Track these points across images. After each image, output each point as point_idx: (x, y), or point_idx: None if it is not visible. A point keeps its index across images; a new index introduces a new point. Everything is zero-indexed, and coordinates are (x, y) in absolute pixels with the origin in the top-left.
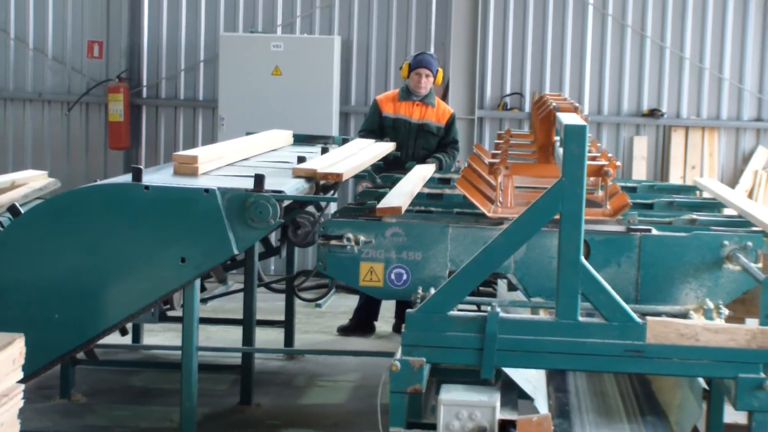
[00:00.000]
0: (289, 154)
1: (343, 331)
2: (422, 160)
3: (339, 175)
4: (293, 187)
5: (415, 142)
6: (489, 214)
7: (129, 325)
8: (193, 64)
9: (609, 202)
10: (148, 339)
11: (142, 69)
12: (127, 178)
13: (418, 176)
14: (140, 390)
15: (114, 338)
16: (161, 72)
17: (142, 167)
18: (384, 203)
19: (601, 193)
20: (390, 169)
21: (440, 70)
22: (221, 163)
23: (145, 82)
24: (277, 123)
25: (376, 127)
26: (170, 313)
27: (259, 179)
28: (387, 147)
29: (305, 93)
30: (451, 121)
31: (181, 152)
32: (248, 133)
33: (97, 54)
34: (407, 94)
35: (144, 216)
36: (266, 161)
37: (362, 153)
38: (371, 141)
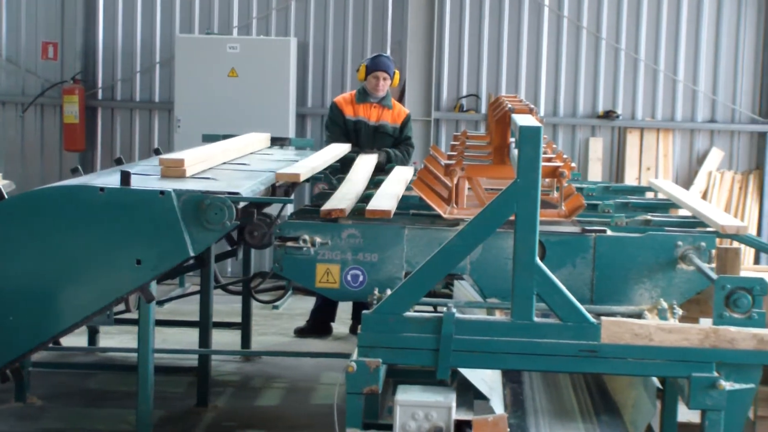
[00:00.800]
0: (267, 156)
1: (300, 332)
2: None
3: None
4: (249, 189)
5: (373, 144)
6: (445, 216)
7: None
8: (149, 66)
9: (564, 203)
10: (104, 341)
11: (97, 70)
12: (110, 173)
13: (401, 178)
14: (96, 393)
15: (70, 341)
16: (116, 74)
17: (130, 171)
18: (373, 206)
19: (556, 194)
20: (346, 171)
21: (397, 71)
22: (205, 166)
23: (100, 84)
24: (234, 125)
25: (344, 128)
26: (126, 316)
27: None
28: (344, 148)
29: (262, 94)
30: (406, 121)
31: (168, 156)
32: (205, 136)
33: (51, 55)
34: (364, 96)
35: (99, 218)
36: (245, 164)
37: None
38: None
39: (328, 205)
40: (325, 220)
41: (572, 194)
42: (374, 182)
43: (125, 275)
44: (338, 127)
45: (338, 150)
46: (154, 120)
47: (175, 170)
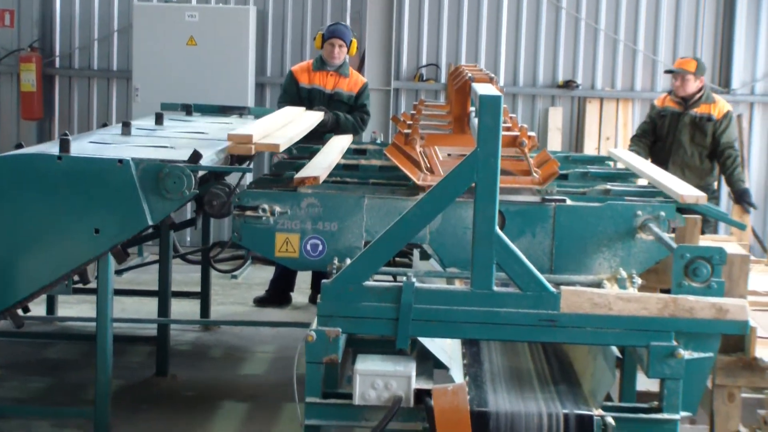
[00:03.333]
0: (226, 126)
1: (260, 302)
2: (330, 130)
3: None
4: (208, 158)
5: None
6: (419, 183)
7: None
8: (107, 34)
9: (540, 170)
10: (62, 311)
11: (54, 38)
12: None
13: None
14: (55, 362)
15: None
16: (74, 42)
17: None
18: (301, 173)
19: (531, 160)
20: (305, 140)
21: (354, 40)
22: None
23: (57, 52)
24: (192, 94)
25: (296, 97)
26: (85, 285)
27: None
28: (318, 116)
29: (220, 63)
30: (362, 89)
31: (236, 132)
32: (163, 104)
33: (8, 23)
34: (321, 64)
35: (57, 187)
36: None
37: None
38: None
39: (302, 173)
40: (284, 189)
41: (548, 160)
42: (309, 151)
43: (84, 244)
44: (289, 97)
45: (312, 119)
46: (112, 88)
47: (243, 147)
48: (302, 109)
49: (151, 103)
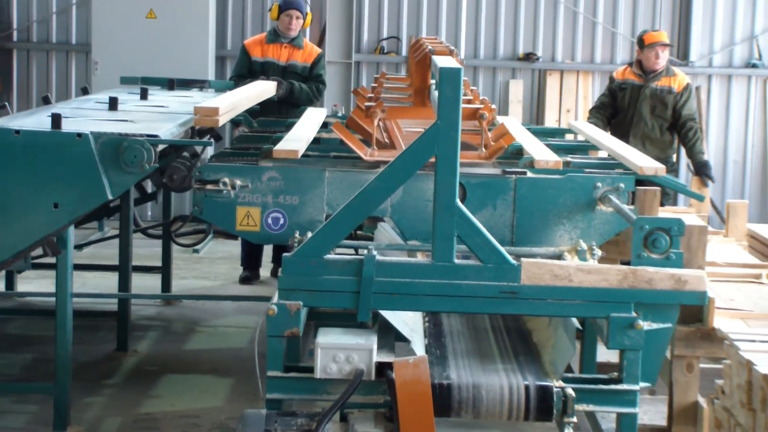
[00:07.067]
0: (187, 99)
1: (245, 280)
2: (287, 101)
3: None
4: (168, 131)
5: None
6: (365, 158)
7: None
8: (65, 7)
9: (489, 146)
10: (21, 286)
11: (11, 11)
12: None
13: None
14: (14, 338)
15: None
16: (32, 15)
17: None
18: (280, 146)
19: (490, 134)
20: (265, 114)
21: (309, 12)
22: (232, 115)
23: (15, 25)
24: (153, 67)
25: (247, 72)
26: (44, 260)
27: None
28: (270, 85)
29: (180, 37)
30: (317, 59)
31: (203, 104)
32: (123, 78)
33: None
34: (275, 36)
35: (15, 161)
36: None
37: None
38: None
39: (281, 146)
40: (246, 163)
41: (505, 134)
42: (269, 124)
43: (42, 219)
44: (240, 69)
45: (262, 88)
46: (71, 62)
47: (209, 120)
48: (274, 84)
49: (111, 76)
